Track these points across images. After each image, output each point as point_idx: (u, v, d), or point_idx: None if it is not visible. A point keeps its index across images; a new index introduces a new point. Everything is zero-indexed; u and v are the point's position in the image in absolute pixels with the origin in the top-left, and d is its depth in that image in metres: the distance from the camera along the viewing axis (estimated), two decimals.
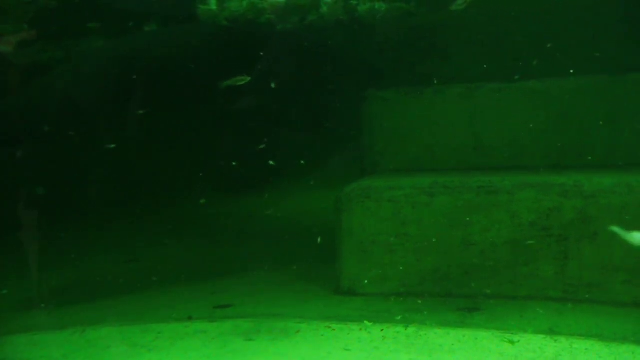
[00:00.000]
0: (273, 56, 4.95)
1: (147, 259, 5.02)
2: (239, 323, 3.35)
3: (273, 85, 4.77)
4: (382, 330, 3.16)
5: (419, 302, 3.63)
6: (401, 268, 3.75)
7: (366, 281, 3.80)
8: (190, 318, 3.47)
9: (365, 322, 3.25)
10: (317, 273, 4.24)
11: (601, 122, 4.05)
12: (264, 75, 4.98)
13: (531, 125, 4.16)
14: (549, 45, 4.25)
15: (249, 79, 3.44)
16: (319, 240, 4.25)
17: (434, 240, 3.70)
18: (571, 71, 4.11)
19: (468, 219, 3.66)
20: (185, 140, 5.63)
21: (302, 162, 5.18)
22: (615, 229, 3.19)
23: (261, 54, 4.93)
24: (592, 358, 2.76)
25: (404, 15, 4.56)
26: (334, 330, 3.19)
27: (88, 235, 5.46)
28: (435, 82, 4.42)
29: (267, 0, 4.65)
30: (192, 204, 5.96)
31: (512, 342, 2.94)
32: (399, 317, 3.36)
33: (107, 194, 5.69)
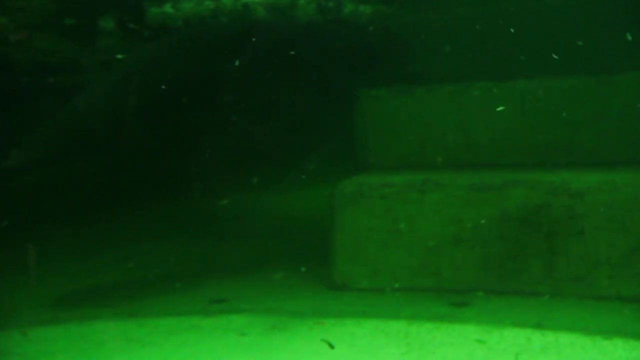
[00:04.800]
0: (260, 54, 4.97)
1: (142, 257, 5.04)
2: (232, 318, 3.39)
3: (259, 84, 4.80)
4: (373, 324, 3.21)
5: (411, 296, 3.69)
6: (393, 263, 3.80)
7: (359, 276, 3.85)
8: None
9: (357, 316, 3.31)
10: (310, 269, 4.28)
11: (588, 121, 4.12)
12: (250, 74, 5.00)
13: (520, 124, 4.23)
14: (538, 46, 4.31)
15: None
16: (311, 236, 4.29)
17: (425, 236, 3.76)
18: (559, 71, 4.19)
19: (459, 215, 3.72)
20: (180, 139, 5.64)
21: (291, 160, 5.22)
22: None
23: (247, 52, 4.94)
24: (577, 351, 2.84)
25: (386, 17, 4.60)
26: (326, 325, 3.24)
27: (84, 233, 5.47)
28: (426, 81, 4.47)
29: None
30: (185, 202, 5.98)
31: (500, 336, 3.01)
32: (390, 312, 3.41)
33: (101, 192, 5.70)
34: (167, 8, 4.60)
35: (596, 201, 3.50)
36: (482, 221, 3.66)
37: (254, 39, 4.89)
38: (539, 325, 3.11)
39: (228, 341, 3.12)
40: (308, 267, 4.34)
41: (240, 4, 4.56)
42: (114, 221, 5.74)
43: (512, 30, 4.34)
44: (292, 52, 4.93)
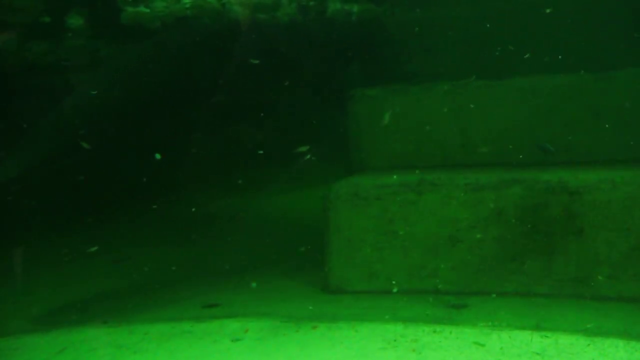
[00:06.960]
0: (249, 55, 4.92)
1: (136, 260, 4.99)
2: (225, 323, 3.33)
3: (249, 84, 4.76)
4: (369, 328, 3.15)
5: (407, 299, 3.64)
6: (389, 265, 3.75)
7: (354, 279, 3.80)
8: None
9: (353, 320, 3.25)
10: (304, 272, 4.23)
11: (585, 119, 4.08)
12: (239, 74, 4.97)
13: (517, 122, 4.18)
14: (535, 44, 4.27)
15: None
16: (306, 238, 4.23)
17: (421, 237, 3.71)
18: (556, 69, 4.15)
19: (455, 215, 3.66)
20: (173, 141, 5.61)
21: (285, 161, 5.17)
22: None
23: (236, 53, 4.90)
24: (576, 352, 2.78)
25: (375, 15, 4.56)
26: (321, 329, 3.18)
27: (79, 236, 5.42)
28: (422, 79, 4.43)
29: None
30: (180, 204, 5.93)
31: (499, 338, 2.95)
32: (386, 315, 3.36)
33: (97, 195, 5.66)
34: (142, 8, 4.53)
35: (595, 200, 3.46)
36: (479, 221, 3.60)
37: (240, 39, 4.85)
38: (538, 327, 3.06)
39: (221, 347, 3.06)
40: (303, 270, 4.28)
41: (220, 3, 4.50)
42: (109, 224, 5.70)
43: (509, 28, 4.30)
44: (283, 52, 4.89)
